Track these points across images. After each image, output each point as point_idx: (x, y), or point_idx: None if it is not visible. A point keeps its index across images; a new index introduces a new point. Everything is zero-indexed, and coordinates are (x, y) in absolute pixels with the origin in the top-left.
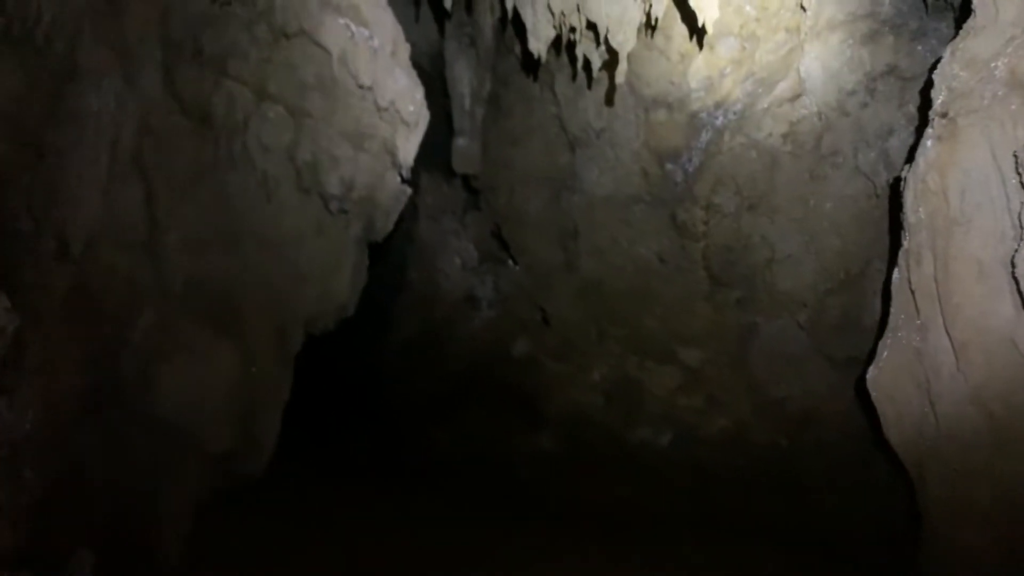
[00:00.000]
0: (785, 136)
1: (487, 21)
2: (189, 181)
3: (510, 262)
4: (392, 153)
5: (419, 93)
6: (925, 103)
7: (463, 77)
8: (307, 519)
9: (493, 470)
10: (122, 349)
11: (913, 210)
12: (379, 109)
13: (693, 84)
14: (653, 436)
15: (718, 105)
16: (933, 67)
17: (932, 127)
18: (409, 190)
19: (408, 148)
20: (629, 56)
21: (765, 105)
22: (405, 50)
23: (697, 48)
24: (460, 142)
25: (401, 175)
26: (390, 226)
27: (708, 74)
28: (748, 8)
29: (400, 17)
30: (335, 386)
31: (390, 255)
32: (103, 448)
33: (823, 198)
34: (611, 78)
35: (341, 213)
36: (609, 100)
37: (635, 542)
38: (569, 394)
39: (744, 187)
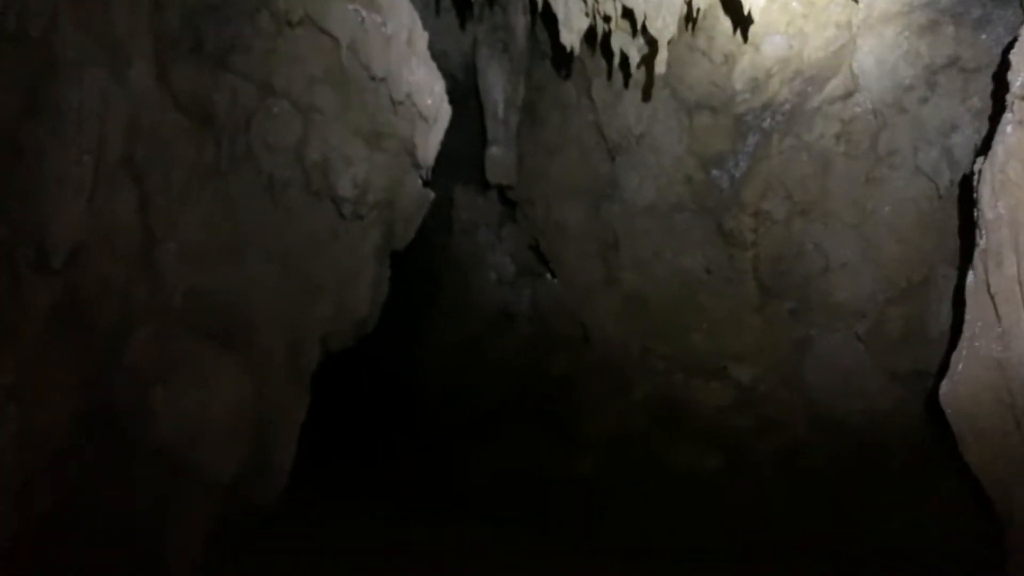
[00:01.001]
0: (838, 136)
1: (519, 23)
2: (188, 185)
3: (548, 276)
4: (411, 153)
5: (438, 85)
6: (1000, 88)
7: (496, 84)
8: (332, 546)
9: (527, 495)
10: (115, 370)
11: (990, 205)
12: (395, 103)
13: (738, 86)
14: (700, 459)
15: (765, 106)
16: (1009, 48)
17: (1012, 111)
18: (432, 194)
19: (428, 146)
20: (670, 59)
21: (816, 104)
22: (422, 38)
23: (742, 46)
24: (494, 151)
25: (422, 177)
26: (411, 233)
27: (754, 75)
28: (795, 4)
29: (429, 26)
30: (369, 406)
31: (425, 271)
32: (99, 480)
33: (881, 201)
34: (649, 73)
35: (356, 219)
36: (647, 96)
37: (681, 573)
38: (609, 415)
39: (795, 192)
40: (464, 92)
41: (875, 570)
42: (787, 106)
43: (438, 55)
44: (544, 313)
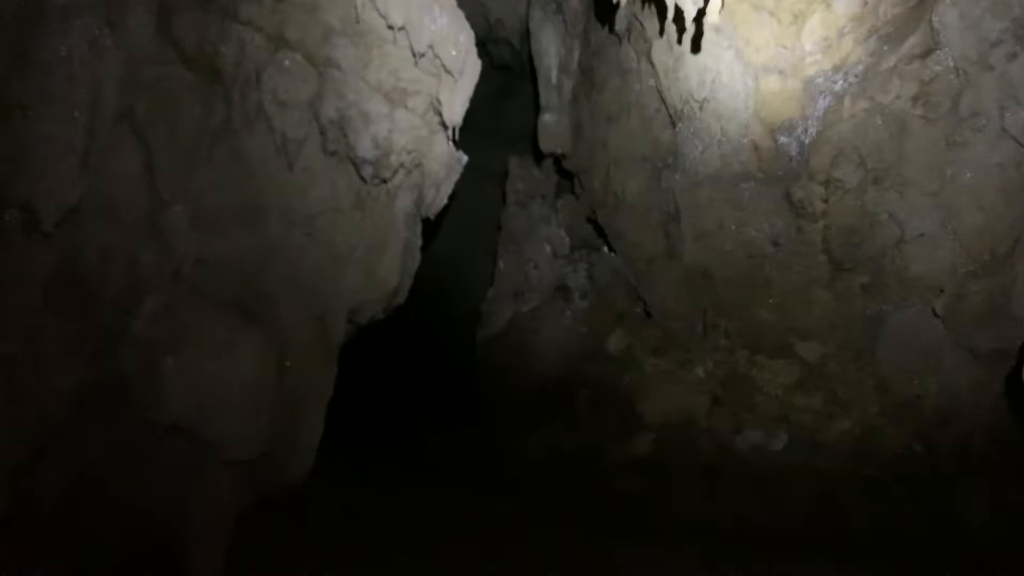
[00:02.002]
0: (915, 98)
1: None
2: (196, 145)
3: (605, 249)
4: (437, 111)
5: (464, 36)
6: None
7: (549, 48)
8: (372, 527)
9: (582, 477)
10: (123, 341)
11: None
12: (416, 55)
13: (808, 46)
14: (765, 440)
15: (837, 68)
16: None
17: None
18: (464, 157)
19: (454, 103)
20: (735, 19)
21: (891, 64)
22: None
23: (812, 4)
24: (547, 118)
25: (450, 138)
26: (442, 199)
27: (825, 34)
28: None
29: None
30: (427, 384)
31: (483, 246)
32: (112, 457)
33: (962, 167)
34: (698, 24)
35: (379, 182)
36: (694, 47)
37: (744, 561)
38: (670, 394)
39: (868, 158)
40: (522, 60)
41: (950, 561)
42: (860, 67)
43: (494, 23)
44: (601, 288)
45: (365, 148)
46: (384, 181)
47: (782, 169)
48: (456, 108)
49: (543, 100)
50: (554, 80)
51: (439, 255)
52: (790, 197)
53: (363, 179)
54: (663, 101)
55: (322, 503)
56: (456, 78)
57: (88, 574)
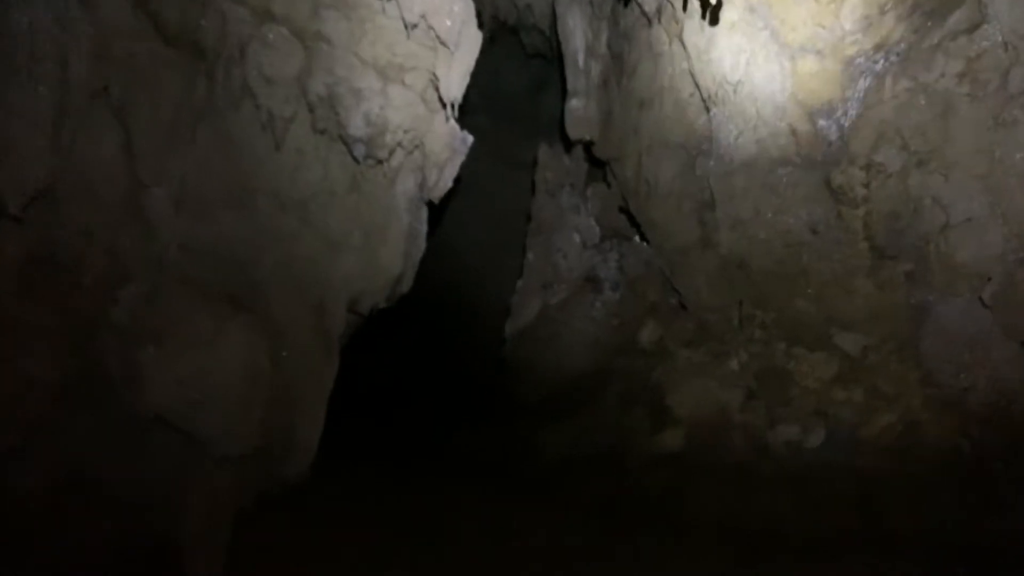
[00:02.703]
0: (961, 76)
1: None
2: (178, 124)
3: (637, 239)
4: (435, 86)
5: (459, 5)
6: None
7: (576, 30)
8: (386, 522)
9: (612, 473)
10: (104, 331)
11: None
12: (407, 26)
13: (848, 25)
14: (802, 436)
15: (878, 47)
16: None
17: None
18: (470, 138)
19: (451, 77)
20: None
21: (935, 40)
22: None
23: None
24: (574, 103)
25: (450, 116)
26: (447, 182)
27: (866, 12)
28: None
29: None
30: (460, 379)
31: (518, 237)
32: (99, 451)
33: (1012, 148)
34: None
35: (375, 163)
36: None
37: (779, 563)
38: (702, 387)
39: (912, 140)
40: (553, 48)
41: (998, 566)
42: (903, 45)
43: (523, 8)
44: (633, 279)
45: (357, 126)
46: (380, 162)
47: (821, 153)
48: (454, 83)
49: (570, 85)
50: (581, 64)
51: (474, 247)
52: (829, 182)
53: (356, 159)
54: (696, 85)
55: (338, 497)
56: (452, 50)
57: (80, 574)
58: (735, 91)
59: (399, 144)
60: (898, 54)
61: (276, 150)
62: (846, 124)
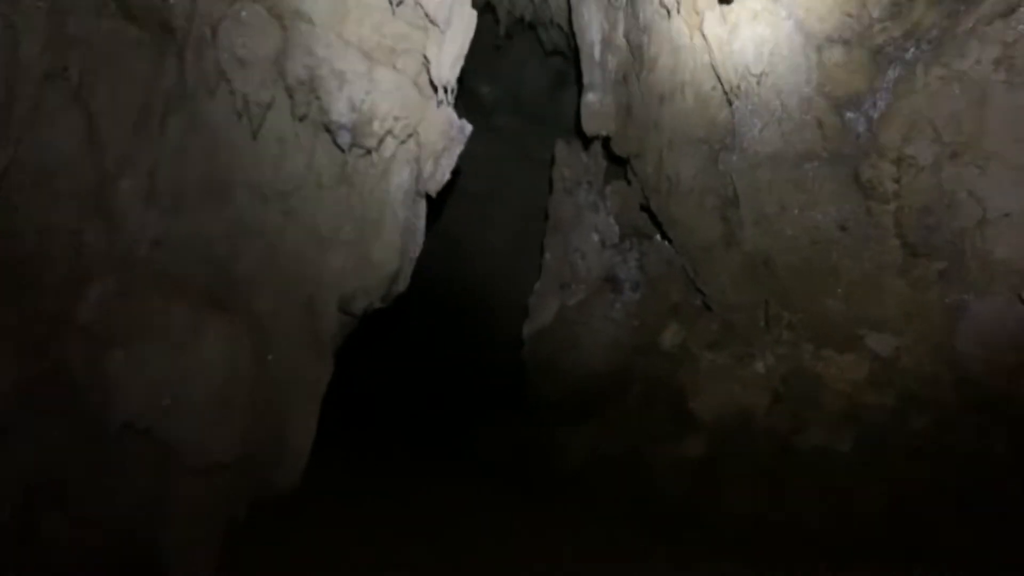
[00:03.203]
0: (997, 62)
1: None
2: (146, 112)
3: (658, 237)
4: (428, 71)
5: None
6: None
7: (592, 21)
8: (413, 524)
9: (632, 478)
10: (69, 332)
11: None
12: (392, 4)
13: (876, 13)
14: (830, 441)
15: (908, 34)
16: None
17: None
18: (469, 126)
19: (442, 58)
20: None
21: (969, 25)
22: None
23: None
24: (590, 97)
25: (443, 101)
26: (444, 174)
27: None
28: None
29: None
30: (481, 381)
31: (539, 238)
32: (71, 459)
33: None
34: None
35: (364, 153)
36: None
37: (805, 573)
38: (727, 390)
39: (945, 131)
40: (572, 44)
41: None
42: (935, 31)
43: (538, 3)
44: (654, 278)
45: (340, 112)
46: (369, 151)
47: (849, 147)
48: (445, 65)
49: (586, 79)
50: (597, 57)
51: (499, 248)
52: (858, 177)
53: (341, 148)
54: (718, 77)
55: (349, 501)
56: (443, 29)
57: None
58: (758, 83)
59: (389, 132)
60: (930, 41)
61: (253, 138)
62: (875, 116)
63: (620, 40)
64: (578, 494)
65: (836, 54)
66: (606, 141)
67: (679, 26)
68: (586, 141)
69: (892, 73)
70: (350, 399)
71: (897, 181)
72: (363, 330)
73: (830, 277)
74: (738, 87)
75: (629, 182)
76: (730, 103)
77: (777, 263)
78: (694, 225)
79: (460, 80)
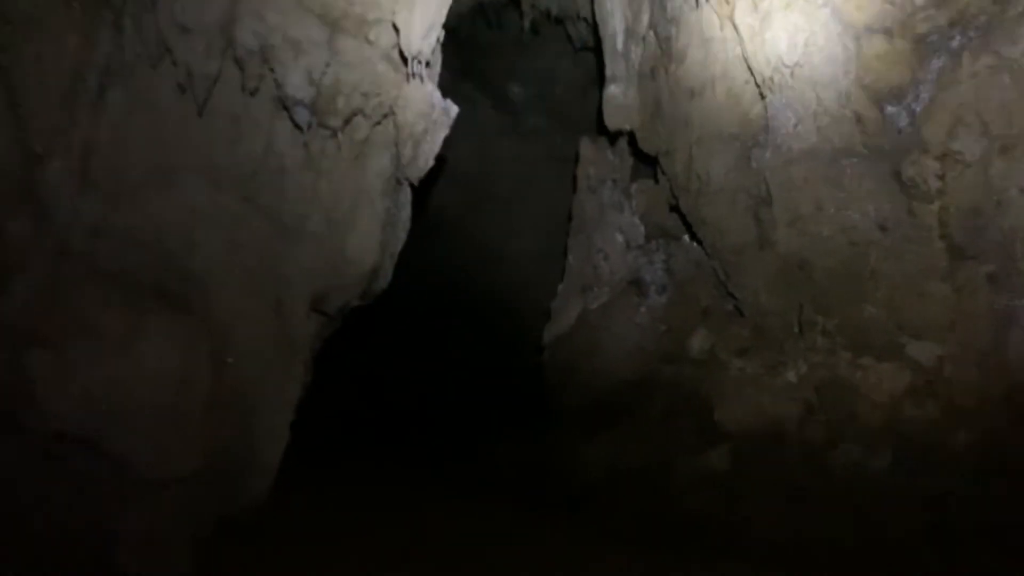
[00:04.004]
0: None
1: None
2: (78, 87)
3: (686, 238)
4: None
5: None
6: None
7: (615, 11)
8: (420, 542)
9: (653, 493)
10: None
11: None
12: None
13: (919, 0)
14: (866, 456)
15: (954, 22)
16: None
17: None
18: (454, 108)
19: (412, 25)
20: None
21: (1020, 10)
22: None
23: None
24: (613, 90)
25: (415, 74)
26: (426, 160)
27: None
28: None
29: None
30: (504, 390)
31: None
32: (9, 472)
33: None
34: None
35: (329, 134)
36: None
37: None
38: (756, 401)
39: (994, 124)
40: (598, 37)
41: None
42: (983, 18)
43: None
44: (681, 281)
45: (296, 86)
46: (335, 133)
47: (890, 143)
48: (415, 33)
49: (608, 71)
50: (620, 47)
51: (524, 252)
52: (900, 174)
53: (299, 127)
54: (750, 70)
55: (349, 512)
56: None
57: None
58: (792, 75)
59: (360, 112)
60: (977, 28)
61: (199, 116)
62: (918, 109)
63: (645, 30)
64: (595, 511)
65: (876, 44)
66: (632, 137)
67: (709, 16)
68: (612, 137)
69: (936, 63)
70: (366, 407)
71: (941, 178)
72: (385, 336)
73: (869, 281)
74: (771, 79)
75: (657, 180)
76: (762, 97)
77: (813, 266)
78: (725, 226)
79: (487, 78)
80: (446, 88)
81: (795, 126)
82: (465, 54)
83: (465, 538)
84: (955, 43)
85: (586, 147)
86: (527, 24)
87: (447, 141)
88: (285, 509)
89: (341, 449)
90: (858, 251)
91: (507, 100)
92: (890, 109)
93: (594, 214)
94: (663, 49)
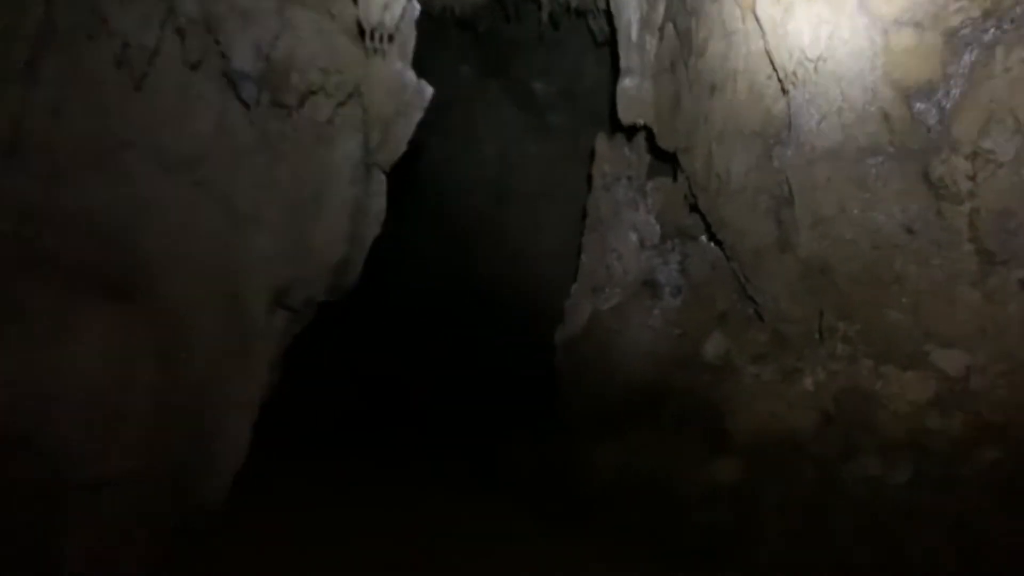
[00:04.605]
0: None
1: None
2: (6, 57)
3: (703, 238)
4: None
5: None
6: None
7: (629, 0)
8: (420, 548)
9: (660, 506)
10: None
11: None
12: None
13: None
14: (885, 471)
15: (988, 13)
16: None
17: None
18: (429, 89)
19: None
20: None
21: None
22: None
23: None
24: (627, 83)
25: (376, 49)
26: (398, 145)
27: None
28: None
29: None
30: (524, 392)
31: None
32: None
33: None
34: None
35: (284, 114)
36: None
37: None
38: (770, 409)
39: None
40: (614, 28)
41: None
42: (1018, 9)
43: None
44: (697, 283)
45: (243, 59)
46: (290, 112)
47: (918, 141)
48: (374, 2)
49: (623, 62)
50: (634, 38)
51: (547, 251)
52: (928, 174)
53: (246, 104)
54: (772, 64)
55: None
56: None
57: None
58: (815, 69)
59: (321, 90)
60: (1012, 20)
61: (137, 90)
62: (948, 106)
63: (661, 21)
64: (601, 522)
65: (905, 38)
66: (650, 133)
67: (730, 8)
68: (629, 134)
69: (968, 57)
70: (380, 407)
71: (972, 179)
72: (408, 337)
73: (894, 286)
74: (793, 74)
75: (675, 178)
76: (784, 91)
77: (835, 270)
78: (745, 227)
79: (511, 76)
80: (469, 86)
81: (818, 123)
82: (487, 51)
83: (462, 546)
84: (988, 36)
85: (602, 143)
86: (545, 16)
87: (471, 141)
88: (274, 509)
89: (346, 448)
90: (883, 255)
91: (531, 98)
92: (919, 106)
93: (608, 212)
94: (683, 42)
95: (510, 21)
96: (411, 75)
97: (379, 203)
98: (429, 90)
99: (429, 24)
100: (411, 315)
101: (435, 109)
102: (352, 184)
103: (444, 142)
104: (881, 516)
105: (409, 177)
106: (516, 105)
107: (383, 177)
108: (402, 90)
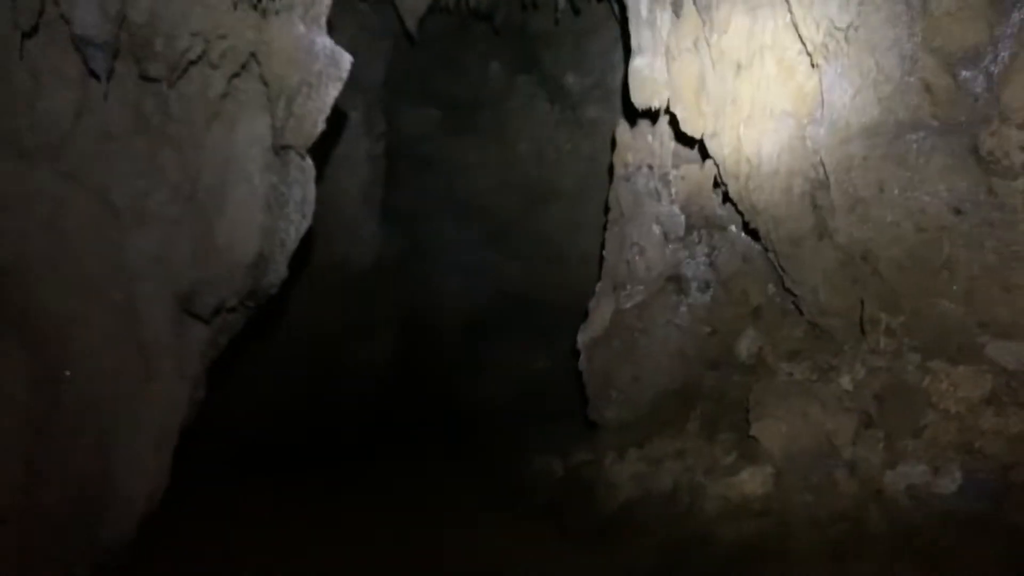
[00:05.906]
0: None
1: None
2: None
3: (733, 228)
4: None
5: None
6: None
7: None
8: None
9: (683, 519)
10: None
11: None
12: None
13: None
14: (931, 479)
15: None
16: None
17: None
18: (346, 57)
19: None
20: None
21: None
22: None
23: None
24: (639, 62)
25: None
26: (313, 122)
27: None
28: None
29: None
30: (521, 393)
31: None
32: None
33: None
34: None
35: (158, 89)
36: None
37: None
38: (802, 411)
39: None
40: (623, 5)
41: None
42: None
43: None
44: (728, 277)
45: (86, 22)
46: (166, 84)
47: (964, 113)
48: None
49: (634, 41)
50: (645, 14)
51: (586, 250)
52: (977, 148)
53: (96, 76)
54: (800, 36)
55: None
56: None
57: None
58: (846, 38)
59: (202, 58)
60: None
61: None
62: (996, 72)
63: None
64: (620, 539)
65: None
66: (674, 119)
67: None
68: (652, 119)
69: (1017, 16)
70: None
71: None
72: (443, 344)
73: (943, 272)
74: (824, 46)
75: (702, 165)
76: (813, 65)
77: (877, 256)
78: (780, 214)
79: (540, 68)
80: (499, 83)
81: (853, 98)
82: (515, 46)
83: (470, 564)
84: None
85: (623, 132)
86: (562, 2)
87: (504, 139)
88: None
89: (358, 454)
90: (929, 238)
91: (563, 91)
92: (964, 74)
93: (629, 204)
94: (704, 18)
95: (526, 9)
96: (323, 40)
97: (302, 193)
98: (347, 58)
99: (449, 21)
100: (451, 318)
101: (467, 107)
102: (265, 172)
103: (477, 141)
104: (926, 531)
105: (442, 178)
106: (549, 100)
107: (306, 162)
108: (310, 58)
